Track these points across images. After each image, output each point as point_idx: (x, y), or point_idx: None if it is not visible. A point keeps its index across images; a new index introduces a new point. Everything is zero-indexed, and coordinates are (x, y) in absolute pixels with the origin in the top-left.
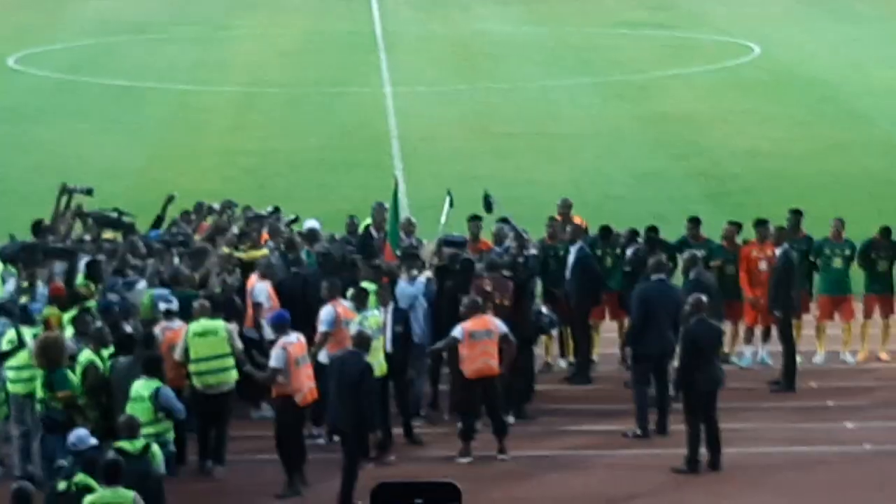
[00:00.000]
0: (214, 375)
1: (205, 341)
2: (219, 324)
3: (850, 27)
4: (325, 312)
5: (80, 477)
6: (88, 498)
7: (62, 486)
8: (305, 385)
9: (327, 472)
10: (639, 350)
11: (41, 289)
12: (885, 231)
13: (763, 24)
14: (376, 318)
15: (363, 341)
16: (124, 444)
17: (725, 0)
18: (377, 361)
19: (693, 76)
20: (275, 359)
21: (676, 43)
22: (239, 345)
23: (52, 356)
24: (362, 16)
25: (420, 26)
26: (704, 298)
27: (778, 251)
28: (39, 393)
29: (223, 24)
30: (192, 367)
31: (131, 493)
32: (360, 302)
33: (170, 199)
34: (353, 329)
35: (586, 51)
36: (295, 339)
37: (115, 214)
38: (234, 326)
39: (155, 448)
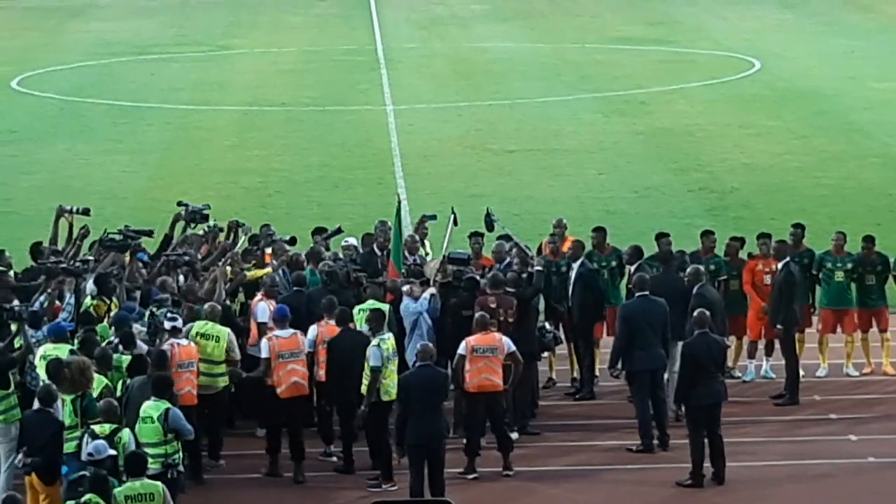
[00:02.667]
0: (205, 378)
1: (205, 343)
2: (223, 330)
3: (847, 41)
4: (309, 332)
5: (89, 496)
6: (120, 489)
7: None
8: (288, 379)
9: (340, 491)
10: (629, 367)
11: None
12: (869, 245)
13: (761, 38)
14: (391, 340)
15: (427, 354)
16: (95, 427)
17: (724, 15)
18: (394, 384)
19: (692, 91)
20: (261, 349)
21: (676, 58)
22: (237, 354)
23: (85, 381)
24: (363, 34)
25: (420, 44)
26: (708, 314)
27: (779, 265)
28: (67, 419)
29: (224, 43)
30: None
31: (159, 484)
32: (376, 324)
33: (177, 219)
34: (371, 353)
35: (586, 67)
36: (287, 334)
37: (120, 237)
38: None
39: (124, 433)
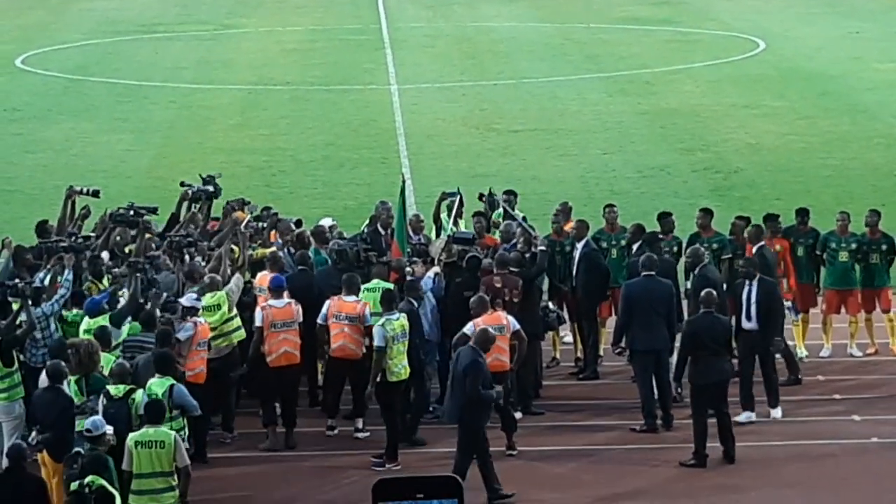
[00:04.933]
0: (222, 339)
1: (209, 315)
2: (220, 294)
3: (852, 21)
4: (323, 307)
5: (91, 478)
6: (132, 435)
7: (74, 486)
8: (279, 348)
9: (343, 470)
10: (631, 346)
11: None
12: (875, 218)
13: (766, 18)
14: (401, 321)
15: (487, 340)
16: (110, 388)
17: None
18: (402, 365)
19: (697, 71)
20: (255, 317)
21: (681, 38)
22: (234, 298)
23: (92, 364)
24: (368, 13)
25: (426, 23)
26: (714, 293)
27: (753, 249)
28: (76, 398)
29: (229, 22)
30: None
31: (172, 432)
32: (388, 303)
33: (184, 198)
34: (375, 333)
35: (591, 47)
36: (282, 304)
37: (131, 212)
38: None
39: (137, 393)
